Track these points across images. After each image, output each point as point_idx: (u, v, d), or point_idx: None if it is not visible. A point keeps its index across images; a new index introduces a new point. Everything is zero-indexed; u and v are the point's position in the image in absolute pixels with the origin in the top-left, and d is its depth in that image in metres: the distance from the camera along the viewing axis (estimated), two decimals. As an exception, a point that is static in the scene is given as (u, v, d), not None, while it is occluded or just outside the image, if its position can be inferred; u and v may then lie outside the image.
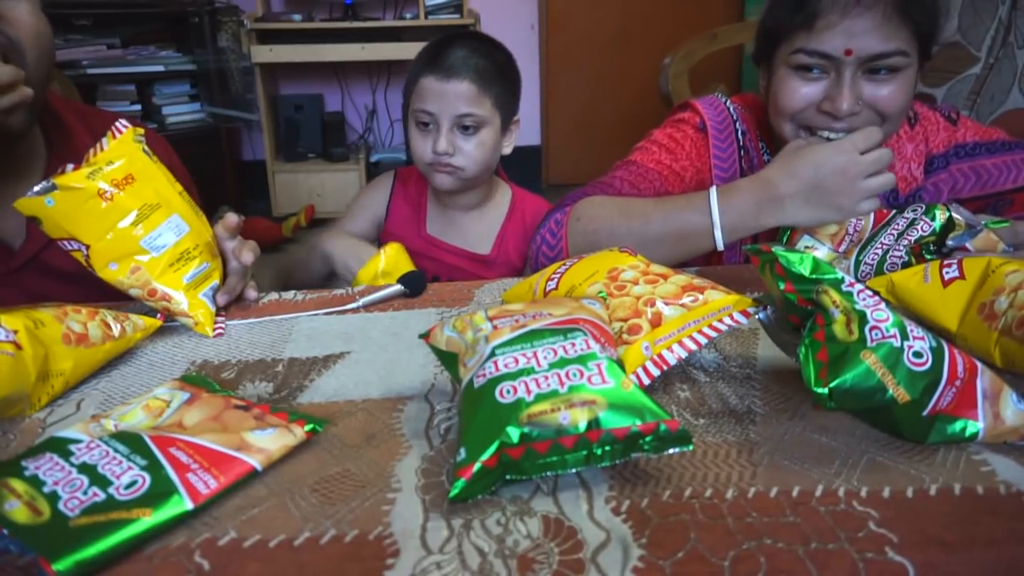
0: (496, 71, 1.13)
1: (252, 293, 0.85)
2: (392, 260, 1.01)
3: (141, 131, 0.78)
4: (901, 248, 0.81)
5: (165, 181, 0.77)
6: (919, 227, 0.81)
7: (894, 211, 0.87)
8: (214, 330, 0.77)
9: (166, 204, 0.76)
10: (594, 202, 0.93)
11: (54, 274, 0.89)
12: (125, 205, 0.73)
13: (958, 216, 0.83)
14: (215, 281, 0.80)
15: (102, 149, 0.74)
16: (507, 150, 1.20)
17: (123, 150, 0.75)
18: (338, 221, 1.27)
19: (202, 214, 0.81)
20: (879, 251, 0.82)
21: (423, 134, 1.14)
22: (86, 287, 0.80)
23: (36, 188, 0.70)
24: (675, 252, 0.85)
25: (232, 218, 0.82)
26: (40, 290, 0.84)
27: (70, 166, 0.72)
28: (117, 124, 0.76)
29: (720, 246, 0.83)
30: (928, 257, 0.79)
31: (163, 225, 0.75)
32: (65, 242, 0.73)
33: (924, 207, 0.85)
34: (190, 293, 0.77)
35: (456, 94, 1.10)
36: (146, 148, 0.77)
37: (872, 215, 0.85)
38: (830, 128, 0.90)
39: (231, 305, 0.84)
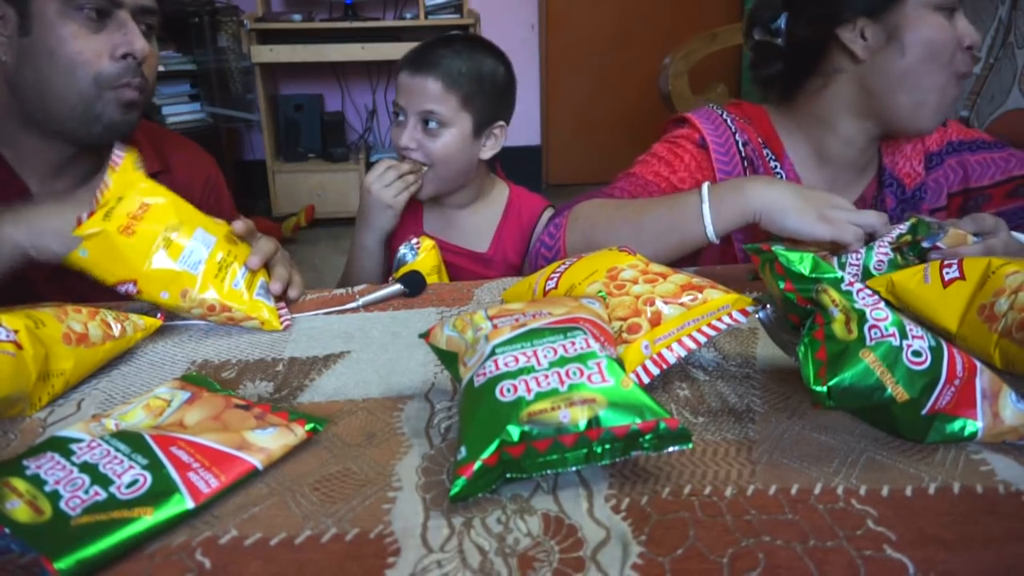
0: (472, 73, 1.14)
1: (293, 292, 0.84)
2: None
3: (136, 153, 0.77)
4: (886, 244, 0.81)
5: (177, 198, 0.78)
6: (898, 226, 0.82)
7: None
8: (281, 322, 0.78)
9: (187, 220, 0.77)
10: (592, 204, 0.95)
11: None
12: (150, 232, 0.74)
13: (924, 217, 0.84)
14: (261, 279, 0.79)
15: (107, 186, 0.74)
16: (485, 154, 1.19)
17: (126, 181, 0.75)
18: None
19: (221, 221, 0.81)
20: (861, 250, 0.82)
21: (396, 127, 1.18)
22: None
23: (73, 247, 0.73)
24: (669, 239, 0.85)
25: (238, 226, 0.80)
26: (80, 290, 0.83)
27: (85, 214, 0.73)
28: (113, 155, 0.76)
29: (706, 211, 0.82)
30: (904, 261, 0.80)
31: (192, 241, 0.75)
32: (121, 287, 0.74)
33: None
34: (244, 299, 0.77)
35: (421, 90, 1.12)
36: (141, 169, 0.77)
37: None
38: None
39: (287, 293, 0.83)
